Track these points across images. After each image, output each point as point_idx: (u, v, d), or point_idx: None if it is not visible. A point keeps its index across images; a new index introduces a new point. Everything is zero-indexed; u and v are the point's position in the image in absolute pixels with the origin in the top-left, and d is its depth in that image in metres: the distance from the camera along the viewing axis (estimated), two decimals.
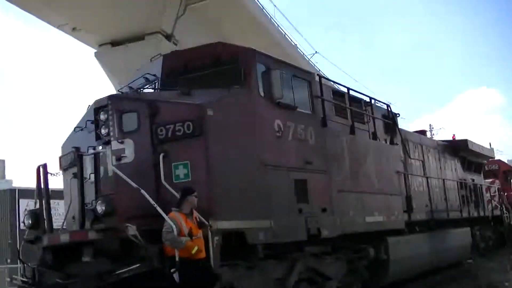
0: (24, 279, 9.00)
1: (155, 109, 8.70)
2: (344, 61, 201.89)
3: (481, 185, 23.44)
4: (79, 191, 8.50)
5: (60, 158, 10.02)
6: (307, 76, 11.51)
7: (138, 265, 7.52)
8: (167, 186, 8.18)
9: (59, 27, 26.49)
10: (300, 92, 10.91)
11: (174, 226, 7.42)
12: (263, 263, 9.30)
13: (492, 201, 24.34)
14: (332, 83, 12.92)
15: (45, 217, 8.84)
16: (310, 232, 10.12)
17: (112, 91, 25.61)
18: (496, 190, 25.58)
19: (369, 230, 12.28)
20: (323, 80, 12.06)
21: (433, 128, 75.71)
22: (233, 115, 9.22)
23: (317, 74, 12.26)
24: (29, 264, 9.18)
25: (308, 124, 10.85)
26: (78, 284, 7.87)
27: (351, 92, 13.28)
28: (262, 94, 9.81)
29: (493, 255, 21.92)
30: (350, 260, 11.98)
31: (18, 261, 9.65)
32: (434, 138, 20.92)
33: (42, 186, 9.01)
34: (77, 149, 8.94)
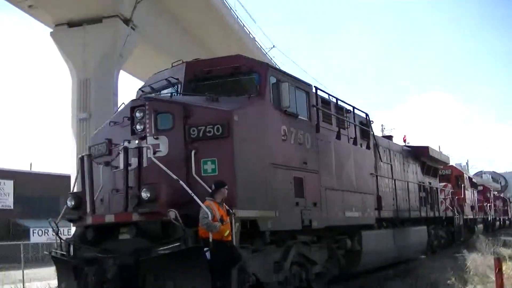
0: (63, 252, 10.43)
1: (188, 112, 10.19)
2: (303, 57, 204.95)
3: (436, 188, 25.82)
4: (124, 180, 9.73)
5: (89, 147, 11.21)
6: (306, 88, 13.12)
7: (177, 244, 8.89)
8: (198, 178, 9.61)
9: (18, 3, 26.08)
10: (300, 101, 12.55)
11: (209, 213, 8.81)
12: (265, 248, 10.95)
13: (445, 203, 26.72)
14: (322, 92, 14.22)
15: (88, 200, 10.05)
16: (304, 223, 11.77)
17: (67, 73, 26.38)
18: (449, 193, 28.03)
19: (348, 223, 14.17)
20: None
21: (384, 128, 77.69)
22: (251, 120, 10.73)
23: (314, 86, 13.64)
24: (64, 240, 10.64)
25: (306, 129, 12.55)
26: (117, 258, 9.29)
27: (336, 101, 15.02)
28: (272, 102, 11.42)
29: (444, 252, 24.27)
30: (331, 248, 13.99)
31: (56, 236, 10.71)
32: (398, 143, 22.29)
33: (87, 174, 10.26)
34: (110, 140, 10.68)
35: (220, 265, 9.05)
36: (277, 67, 12.31)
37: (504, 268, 10.08)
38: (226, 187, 9.43)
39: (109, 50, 25.82)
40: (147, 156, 9.67)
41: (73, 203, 10.16)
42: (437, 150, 26.98)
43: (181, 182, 9.32)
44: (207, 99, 10.73)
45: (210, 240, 8.92)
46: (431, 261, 18.87)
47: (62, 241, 10.59)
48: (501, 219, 57.85)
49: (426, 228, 22.07)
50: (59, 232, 10.67)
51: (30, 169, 52.79)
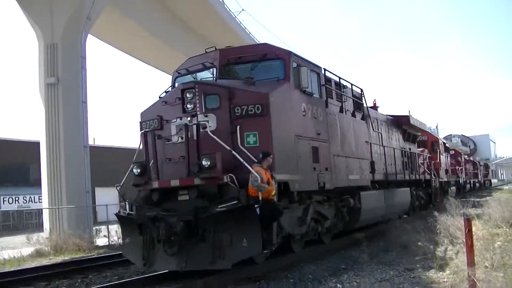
0: (129, 212, 12.85)
1: (232, 94, 12.27)
2: (273, 21, 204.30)
3: (416, 153, 27.92)
4: (186, 151, 11.79)
5: (141, 122, 13.43)
6: (317, 70, 15.24)
7: (233, 202, 11.10)
8: (243, 148, 11.75)
9: None
10: (313, 81, 14.67)
11: (258, 176, 10.81)
12: (292, 206, 13.24)
13: (423, 167, 28.72)
14: (328, 72, 16.16)
15: (153, 168, 12.43)
16: (319, 184, 14.04)
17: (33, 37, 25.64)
18: (426, 158, 30.16)
19: (350, 185, 16.43)
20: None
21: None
22: (281, 100, 12.80)
23: (323, 68, 15.66)
24: (128, 201, 12.97)
25: (318, 105, 14.75)
26: (179, 215, 11.43)
27: (334, 78, 17.07)
28: (294, 84, 13.50)
29: (419, 213, 25.69)
30: (337, 207, 16.29)
31: (123, 200, 13.25)
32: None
33: (151, 146, 12.52)
34: (161, 117, 12.90)
35: (266, 219, 11.25)
36: (297, 53, 14.29)
37: (474, 229, 10.13)
38: (271, 156, 11.61)
39: (77, 13, 25.31)
40: (195, 130, 11.80)
41: (139, 170, 12.48)
42: (416, 118, 28.56)
43: (233, 152, 11.54)
44: (245, 82, 12.95)
45: (260, 198, 10.95)
46: (403, 223, 19.06)
47: (126, 202, 13.00)
48: (471, 182, 60.71)
49: (409, 189, 24.10)
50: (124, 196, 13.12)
51: None
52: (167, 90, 14.12)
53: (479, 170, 71.50)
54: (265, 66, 13.73)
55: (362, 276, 12.00)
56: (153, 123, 13.02)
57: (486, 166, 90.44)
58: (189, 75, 14.48)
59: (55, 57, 24.78)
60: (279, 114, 12.55)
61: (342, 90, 17.44)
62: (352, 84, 18.54)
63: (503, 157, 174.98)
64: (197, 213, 11.29)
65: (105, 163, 51.50)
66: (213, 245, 11.15)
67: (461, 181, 47.59)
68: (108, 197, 47.65)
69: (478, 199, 35.85)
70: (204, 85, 12.55)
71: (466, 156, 64.35)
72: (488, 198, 37.43)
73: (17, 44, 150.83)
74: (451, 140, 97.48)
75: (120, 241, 22.88)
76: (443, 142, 41.40)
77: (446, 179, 36.81)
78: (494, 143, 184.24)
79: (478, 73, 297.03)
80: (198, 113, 12.07)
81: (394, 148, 23.07)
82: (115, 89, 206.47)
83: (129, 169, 12.78)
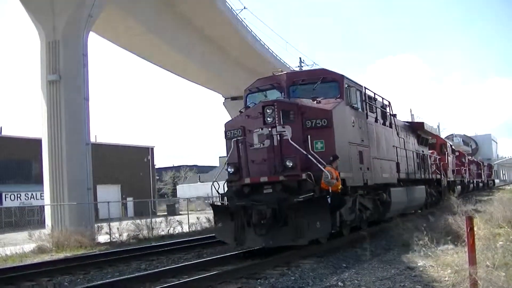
0: (222, 202, 16.36)
1: (304, 110, 15.44)
2: (275, 20, 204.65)
3: (428, 155, 30.50)
4: (276, 154, 15.07)
5: (226, 131, 16.53)
6: (360, 88, 18.46)
7: (310, 194, 14.42)
8: (313, 153, 14.73)
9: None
10: (358, 98, 18.02)
11: (329, 174, 14.23)
12: (345, 197, 15.86)
13: (434, 167, 31.23)
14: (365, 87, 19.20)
15: (243, 168, 15.71)
16: (364, 181, 17.23)
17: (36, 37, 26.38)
18: (436, 159, 32.53)
19: (383, 182, 19.50)
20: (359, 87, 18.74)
21: None
22: (339, 114, 15.89)
23: (364, 86, 18.85)
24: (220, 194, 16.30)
25: (361, 117, 17.90)
26: (267, 204, 14.56)
27: (370, 93, 19.85)
28: (346, 101, 16.67)
29: (433, 208, 27.51)
30: (374, 199, 19.09)
31: (218, 193, 16.31)
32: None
33: (242, 151, 15.82)
34: (243, 127, 15.96)
35: (334, 207, 14.67)
36: (347, 76, 17.52)
37: (475, 228, 10.12)
38: (339, 159, 14.98)
39: (78, 10, 25.37)
40: (277, 138, 15.13)
41: (232, 169, 15.69)
42: (428, 124, 33.89)
43: (309, 155, 14.61)
44: (312, 100, 16.05)
45: (330, 191, 14.44)
46: (405, 221, 19.10)
47: (220, 195, 16.28)
48: (475, 182, 62.09)
49: (424, 187, 26.69)
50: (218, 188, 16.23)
51: (1, 133, 51.93)
52: (248, 106, 17.49)
53: (482, 171, 73.16)
54: (324, 87, 16.74)
55: (363, 274, 11.97)
56: (237, 132, 16.06)
57: (490, 167, 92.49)
58: (259, 93, 17.68)
59: (57, 54, 24.78)
60: (338, 125, 15.61)
61: (375, 103, 20.30)
62: (382, 98, 21.68)
63: (505, 157, 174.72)
64: (281, 203, 14.57)
65: (107, 160, 51.64)
66: (294, 227, 14.40)
67: (465, 181, 49.67)
68: (109, 194, 48.00)
69: (480, 198, 38.38)
70: (281, 103, 15.65)
71: (470, 157, 66.84)
72: (490, 197, 38.07)
73: (19, 41, 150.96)
74: (452, 140, 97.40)
75: (122, 238, 23.16)
76: (450, 145, 43.96)
77: (452, 179, 39.46)
78: (496, 143, 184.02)
79: (480, 72, 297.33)
80: (277, 125, 15.21)
81: (412, 151, 25.92)
82: (117, 87, 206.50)
83: (223, 168, 16.93)
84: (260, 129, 15.46)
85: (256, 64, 46.49)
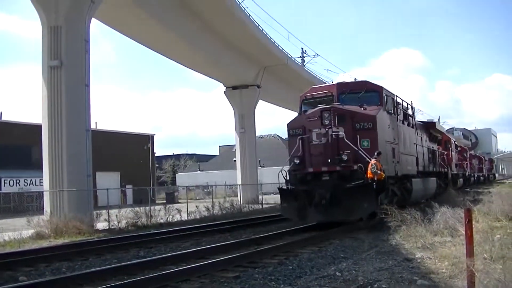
0: (288, 187, 20.35)
1: (354, 115, 19.62)
2: (279, 12, 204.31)
3: (437, 150, 33.77)
4: (333, 149, 19.29)
5: (289, 130, 21.08)
6: (393, 96, 22.31)
7: (361, 181, 18.42)
8: (361, 149, 18.88)
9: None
10: (391, 104, 21.95)
11: (375, 166, 18.17)
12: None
13: (440, 161, 34.29)
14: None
15: (307, 160, 19.91)
16: (395, 172, 21.19)
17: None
18: (442, 154, 35.72)
19: (407, 173, 23.17)
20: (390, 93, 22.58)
21: None
22: (380, 118, 19.93)
23: (395, 94, 22.81)
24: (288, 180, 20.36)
25: (393, 120, 21.89)
26: (323, 188, 18.85)
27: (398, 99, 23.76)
28: (383, 107, 20.66)
29: (439, 197, 28.56)
30: (400, 188, 22.12)
31: (286, 182, 20.43)
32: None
33: (306, 146, 19.98)
34: (304, 127, 20.19)
35: (378, 192, 18.54)
36: (385, 87, 21.60)
37: (473, 222, 10.12)
38: (381, 154, 18.98)
39: None
40: (333, 137, 19.33)
41: (298, 161, 19.89)
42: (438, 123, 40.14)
43: (360, 151, 18.82)
44: (359, 107, 19.96)
45: (375, 179, 18.33)
46: (402, 213, 19.10)
47: (286, 180, 20.34)
48: (476, 175, 65.12)
49: (435, 179, 29.66)
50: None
51: (1, 118, 51.86)
52: (304, 110, 21.36)
53: (484, 165, 76.53)
54: (367, 96, 20.56)
55: (361, 264, 12.02)
56: (299, 131, 20.33)
57: (491, 161, 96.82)
58: (313, 100, 21.64)
59: (59, 40, 24.62)
60: (379, 128, 19.67)
61: (401, 107, 23.82)
62: (407, 103, 25.51)
63: (504, 151, 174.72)
64: (337, 188, 18.72)
65: (107, 147, 51.62)
66: (346, 207, 18.40)
67: (466, 174, 52.69)
68: (108, 182, 48.03)
69: (480, 191, 42.11)
70: (337, 109, 19.72)
71: (472, 152, 69.97)
72: (489, 190, 39.90)
73: (21, 26, 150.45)
74: (452, 134, 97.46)
75: (120, 225, 23.25)
76: (454, 141, 47.10)
77: (456, 172, 42.89)
78: (496, 137, 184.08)
79: (480, 67, 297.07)
80: (332, 126, 19.37)
81: (426, 147, 29.34)
82: (119, 74, 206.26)
83: (288, 160, 20.70)
84: (318, 129, 19.58)
85: (259, 55, 46.49)
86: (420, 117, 43.38)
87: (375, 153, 18.51)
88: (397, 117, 22.39)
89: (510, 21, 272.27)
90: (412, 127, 25.87)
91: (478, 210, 18.90)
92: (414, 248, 14.04)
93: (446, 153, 37.38)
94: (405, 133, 23.64)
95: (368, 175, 18.23)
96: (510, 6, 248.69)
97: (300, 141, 19.93)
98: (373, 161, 18.22)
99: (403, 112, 23.98)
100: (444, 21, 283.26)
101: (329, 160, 19.13)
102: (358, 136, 19.04)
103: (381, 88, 21.04)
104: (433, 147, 32.30)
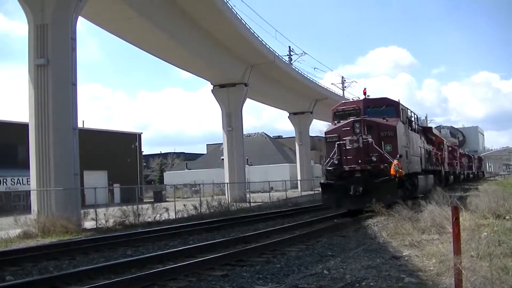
0: (327, 181, 25.23)
1: (379, 125, 24.26)
2: (265, 8, 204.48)
3: (432, 151, 38.62)
4: (364, 153, 23.94)
5: (326, 137, 25.80)
6: (406, 109, 27.86)
7: (387, 177, 22.93)
8: (385, 152, 23.67)
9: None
10: (405, 115, 27.21)
11: (397, 166, 22.84)
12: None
13: (435, 160, 38.97)
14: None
15: (343, 160, 24.37)
16: (408, 170, 25.57)
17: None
18: (436, 154, 40.32)
19: (414, 171, 27.89)
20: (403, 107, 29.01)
21: (345, 80, 78.64)
22: (399, 128, 24.65)
23: (407, 108, 28.62)
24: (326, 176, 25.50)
25: (406, 128, 26.71)
26: (356, 183, 23.41)
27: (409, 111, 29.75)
28: (400, 119, 25.45)
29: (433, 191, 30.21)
30: (409, 183, 26.36)
31: (322, 187, 25.89)
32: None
33: (342, 150, 24.50)
34: (339, 134, 24.62)
35: (399, 186, 23.12)
36: (401, 102, 26.63)
37: (461, 219, 10.15)
38: (401, 156, 23.82)
39: None
40: (363, 143, 23.88)
41: (336, 162, 24.33)
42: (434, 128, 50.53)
43: (384, 154, 23.59)
44: (383, 119, 24.67)
45: (397, 176, 22.80)
46: (390, 211, 19.18)
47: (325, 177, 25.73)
48: (465, 173, 68.41)
49: (433, 176, 34.26)
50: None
51: None
52: (338, 121, 25.97)
53: (473, 163, 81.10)
54: (387, 109, 25.58)
55: (348, 262, 12.04)
56: (335, 138, 24.91)
57: (480, 159, 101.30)
58: (343, 112, 26.35)
59: (45, 38, 24.45)
60: (398, 135, 24.50)
61: (410, 116, 29.51)
62: (411, 112, 30.48)
63: (491, 149, 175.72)
64: (368, 183, 23.32)
65: (94, 146, 51.40)
66: (376, 197, 21.81)
67: (456, 172, 56.92)
68: (96, 180, 47.83)
69: (468, 187, 46.38)
70: (365, 120, 24.49)
71: (461, 151, 73.33)
72: (477, 187, 43.77)
73: (8, 24, 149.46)
74: (440, 131, 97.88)
75: (108, 224, 23.18)
76: (446, 142, 52.13)
77: (448, 170, 47.79)
78: (483, 135, 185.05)
79: (467, 65, 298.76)
80: (362, 134, 24.06)
81: (425, 149, 34.36)
82: (107, 72, 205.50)
83: (327, 162, 25.33)
84: (351, 136, 24.24)
85: (246, 53, 46.45)
86: None
87: (398, 156, 23.66)
88: (408, 125, 27.66)
89: (497, 19, 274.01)
90: (417, 132, 31.11)
91: (465, 207, 18.99)
92: (402, 246, 14.09)
93: (439, 153, 42.16)
94: (413, 138, 28.80)
95: (391, 173, 23.04)
96: (496, 4, 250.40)
97: (337, 146, 24.52)
98: (395, 161, 23.19)
99: (410, 120, 29.39)
100: (431, 19, 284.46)
101: (360, 161, 23.97)
102: (382, 142, 24.02)
103: (397, 103, 26.21)
104: (429, 149, 37.13)
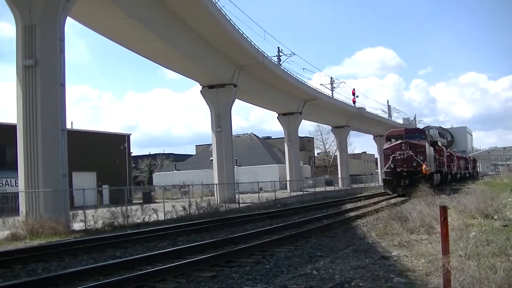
0: (388, 177, 44.82)
1: (416, 145, 43.17)
2: (253, 9, 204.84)
3: (436, 157, 51.80)
4: (407, 160, 42.26)
5: (384, 151, 45.10)
6: (428, 133, 50.11)
7: (421, 174, 41.38)
8: (419, 161, 42.16)
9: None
10: (429, 137, 48.87)
11: (426, 168, 42.00)
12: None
13: (438, 163, 52.95)
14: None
15: (392, 166, 42.93)
16: (431, 171, 44.20)
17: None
18: (440, 159, 54.39)
19: (432, 171, 44.72)
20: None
21: (334, 81, 79.01)
22: (426, 146, 44.21)
23: (428, 131, 61.69)
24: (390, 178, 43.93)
25: (429, 145, 45.82)
26: (404, 178, 42.16)
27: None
28: (427, 140, 45.76)
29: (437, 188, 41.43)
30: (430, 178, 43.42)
31: (384, 180, 45.14)
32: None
33: (391, 159, 44.11)
34: (392, 150, 43.37)
35: (429, 179, 41.82)
36: (426, 130, 45.10)
37: (449, 219, 10.20)
38: (427, 163, 42.83)
39: None
40: (408, 155, 42.27)
41: (392, 165, 42.55)
42: (439, 139, 68.59)
43: (419, 161, 41.78)
44: (417, 141, 43.58)
45: (428, 173, 41.96)
46: (379, 212, 19.23)
47: (386, 174, 43.99)
48: (462, 173, 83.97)
49: (439, 174, 49.76)
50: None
51: None
52: (390, 141, 44.31)
53: (469, 164, 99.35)
54: (418, 134, 45.56)
55: (337, 263, 12.06)
56: (389, 152, 42.66)
57: (475, 161, 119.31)
58: (392, 136, 44.97)
59: (33, 39, 24.36)
60: (426, 150, 42.68)
61: (429, 135, 48.23)
62: (428, 131, 54.17)
63: (479, 149, 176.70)
64: (411, 178, 40.45)
65: (83, 147, 51.21)
66: (415, 187, 34.76)
67: (453, 173, 69.39)
68: (85, 182, 47.70)
69: (461, 187, 50.48)
70: (408, 142, 42.30)
71: (459, 154, 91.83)
72: (468, 187, 48.74)
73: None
74: (428, 132, 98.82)
75: (97, 226, 23.11)
76: (445, 149, 67.38)
77: (446, 171, 59.85)
78: (471, 135, 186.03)
79: (454, 65, 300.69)
80: (406, 150, 41.67)
81: (434, 156, 48.55)
82: (97, 73, 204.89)
83: (385, 169, 43.35)
84: (399, 151, 41.67)
85: (235, 54, 46.46)
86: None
87: (425, 162, 40.77)
88: (429, 142, 44.19)
89: (484, 19, 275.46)
90: (432, 145, 47.44)
91: (454, 207, 19.08)
92: (391, 246, 14.13)
93: (441, 158, 56.79)
94: (431, 150, 45.83)
95: (423, 172, 40.17)
96: (484, 5, 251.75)
97: (392, 157, 41.89)
98: (424, 165, 40.56)
99: (428, 137, 47.28)
100: (418, 20, 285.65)
101: (405, 165, 41.23)
102: (418, 154, 41.55)
103: (425, 130, 47.19)
104: (436, 156, 51.53)
